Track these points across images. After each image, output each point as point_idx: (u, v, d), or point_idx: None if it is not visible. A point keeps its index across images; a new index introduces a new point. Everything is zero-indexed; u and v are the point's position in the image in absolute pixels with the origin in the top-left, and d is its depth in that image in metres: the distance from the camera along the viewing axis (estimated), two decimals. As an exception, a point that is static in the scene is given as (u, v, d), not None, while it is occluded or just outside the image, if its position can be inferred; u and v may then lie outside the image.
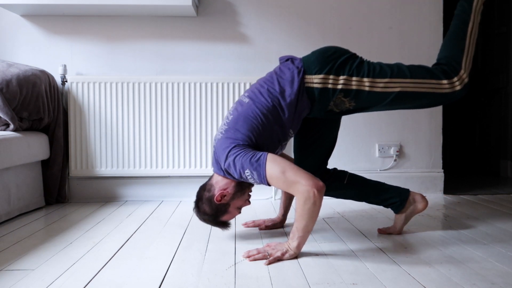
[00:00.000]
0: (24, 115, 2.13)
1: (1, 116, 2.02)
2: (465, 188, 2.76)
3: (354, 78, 1.48)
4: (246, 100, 1.53)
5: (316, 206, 1.35)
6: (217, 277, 1.24)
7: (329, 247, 1.53)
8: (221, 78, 2.38)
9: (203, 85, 2.37)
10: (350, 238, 1.65)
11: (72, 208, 2.24)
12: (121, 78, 2.36)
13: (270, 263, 1.35)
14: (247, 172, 1.40)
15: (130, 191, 2.45)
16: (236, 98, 2.38)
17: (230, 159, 1.42)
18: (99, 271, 1.30)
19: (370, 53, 2.52)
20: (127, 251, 1.50)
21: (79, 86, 2.36)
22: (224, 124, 1.53)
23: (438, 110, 2.57)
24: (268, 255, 1.39)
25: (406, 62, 2.55)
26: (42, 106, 2.18)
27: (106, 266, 1.34)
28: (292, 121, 1.52)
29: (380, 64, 1.52)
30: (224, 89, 2.37)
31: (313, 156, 1.70)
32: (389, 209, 1.73)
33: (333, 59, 1.50)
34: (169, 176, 2.43)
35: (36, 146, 2.16)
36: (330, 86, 1.48)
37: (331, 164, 2.53)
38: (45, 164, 2.32)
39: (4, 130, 2.07)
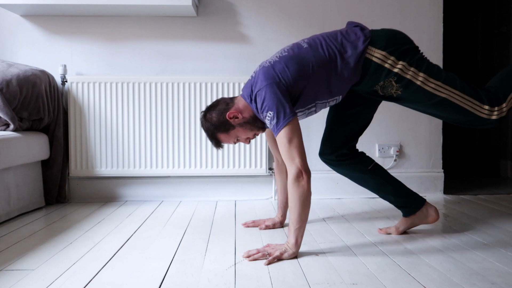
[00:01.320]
0: (24, 115, 2.13)
1: (1, 116, 2.02)
2: (465, 188, 2.76)
3: (411, 68, 1.48)
4: (305, 45, 1.51)
5: (305, 190, 1.38)
6: (217, 277, 1.24)
7: (329, 247, 1.53)
8: (221, 78, 2.38)
9: (203, 85, 2.37)
10: (350, 238, 1.65)
11: (72, 208, 2.24)
12: (121, 78, 2.36)
13: (270, 263, 1.35)
14: (269, 113, 1.41)
15: (130, 191, 2.45)
16: (236, 98, 2.38)
17: (266, 91, 1.42)
18: (99, 271, 1.30)
19: (370, 53, 2.52)
20: (127, 251, 1.50)
21: (79, 86, 2.36)
22: (276, 57, 1.51)
23: (438, 110, 2.57)
24: (268, 254, 1.39)
25: (406, 62, 2.55)
26: (42, 106, 2.18)
27: (106, 266, 1.34)
28: (341, 83, 1.51)
29: (438, 67, 1.53)
30: (224, 89, 2.37)
31: (345, 128, 1.70)
32: (395, 208, 1.75)
33: (400, 43, 1.50)
34: (169, 176, 2.43)
35: (36, 146, 2.16)
36: (387, 66, 1.47)
37: (331, 164, 2.53)
38: (45, 164, 2.32)
39: (4, 130, 2.07)
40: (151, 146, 2.38)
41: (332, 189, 2.50)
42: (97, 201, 2.39)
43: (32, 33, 2.44)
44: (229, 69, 2.47)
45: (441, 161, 2.59)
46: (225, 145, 2.37)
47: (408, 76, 1.48)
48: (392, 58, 1.47)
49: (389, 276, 1.24)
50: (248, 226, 1.82)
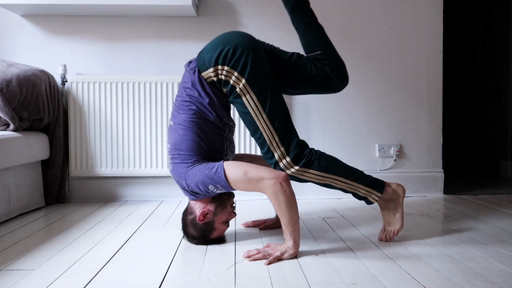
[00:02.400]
0: (24, 115, 2.13)
1: (1, 116, 2.02)
2: (465, 188, 2.76)
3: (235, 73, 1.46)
4: (171, 123, 1.56)
5: (288, 195, 1.40)
6: (217, 277, 1.24)
7: (329, 247, 1.53)
8: (221, 78, 2.38)
9: (203, 85, 2.37)
10: (350, 238, 1.65)
11: (72, 208, 2.24)
12: (121, 78, 2.36)
13: (270, 263, 1.35)
14: (211, 187, 1.44)
15: (130, 191, 2.45)
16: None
17: (190, 181, 1.46)
18: (99, 271, 1.30)
19: (370, 53, 2.53)
20: (127, 251, 1.50)
21: (79, 86, 2.36)
22: (168, 155, 1.56)
23: (438, 110, 2.57)
24: (268, 255, 1.39)
25: (405, 61, 2.56)
26: (42, 106, 2.18)
27: (106, 266, 1.34)
28: (221, 113, 1.53)
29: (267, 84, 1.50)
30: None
31: None
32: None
33: (223, 53, 1.48)
34: (169, 176, 2.43)
35: (36, 146, 2.16)
36: (221, 77, 1.48)
37: (331, 164, 2.52)
38: (45, 164, 2.32)
39: (4, 130, 2.07)
40: (151, 146, 2.38)
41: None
42: (97, 201, 2.39)
43: (32, 33, 2.44)
44: (229, 69, 2.47)
45: (441, 161, 2.59)
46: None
47: (235, 85, 1.47)
48: (219, 67, 1.46)
49: (389, 276, 1.24)
50: (248, 226, 1.82)
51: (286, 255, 1.39)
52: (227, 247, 1.53)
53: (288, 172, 1.48)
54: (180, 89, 1.56)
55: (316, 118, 2.52)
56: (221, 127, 1.54)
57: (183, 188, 1.53)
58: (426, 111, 2.56)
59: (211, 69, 1.46)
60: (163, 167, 2.38)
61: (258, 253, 1.40)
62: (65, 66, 2.38)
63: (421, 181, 2.56)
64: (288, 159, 1.48)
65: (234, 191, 1.56)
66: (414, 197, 2.50)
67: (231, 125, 1.60)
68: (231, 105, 1.63)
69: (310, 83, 1.61)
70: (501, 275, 1.24)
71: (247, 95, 1.46)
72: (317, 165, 1.48)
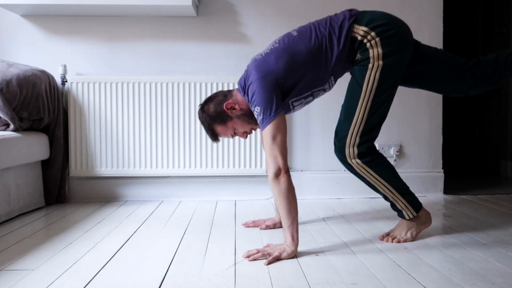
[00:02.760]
0: (24, 115, 2.13)
1: (1, 116, 2.02)
2: (465, 188, 2.76)
3: (380, 49, 1.45)
4: (295, 33, 1.52)
5: (284, 184, 1.40)
6: (217, 277, 1.24)
7: (329, 247, 1.53)
8: (221, 78, 2.38)
9: (203, 85, 2.37)
10: (350, 238, 1.65)
11: (72, 208, 2.24)
12: (121, 78, 2.36)
13: (269, 263, 1.35)
14: (257, 108, 1.43)
15: (130, 191, 2.45)
16: (236, 98, 2.38)
17: (257, 85, 1.43)
18: (99, 271, 1.30)
19: (370, 53, 2.52)
20: (127, 251, 1.50)
21: (79, 86, 2.36)
22: (268, 49, 1.52)
23: (438, 110, 2.57)
24: (268, 254, 1.39)
25: (406, 62, 2.55)
26: (42, 106, 2.18)
27: (106, 266, 1.34)
28: (333, 67, 1.50)
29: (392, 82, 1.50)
30: (224, 89, 2.37)
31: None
32: (383, 203, 1.73)
33: (384, 23, 1.46)
34: (169, 176, 2.43)
35: (36, 146, 2.16)
36: (366, 41, 1.46)
37: (330, 164, 2.53)
38: (45, 164, 2.32)
39: (4, 130, 2.07)
40: (151, 146, 2.38)
41: (332, 189, 2.50)
42: (97, 201, 2.39)
43: (32, 33, 2.44)
44: (229, 69, 2.47)
45: (441, 161, 2.59)
46: (225, 144, 2.37)
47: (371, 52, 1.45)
48: (372, 33, 1.45)
49: (389, 276, 1.24)
50: (248, 226, 1.82)
51: (285, 254, 1.39)
52: (227, 247, 1.54)
53: (348, 161, 1.51)
54: (326, 18, 1.53)
55: (316, 118, 2.52)
56: (323, 78, 1.51)
57: (245, 80, 1.51)
58: (426, 111, 2.56)
59: (365, 28, 1.45)
60: (163, 167, 2.38)
61: (258, 252, 1.40)
62: (65, 66, 2.38)
63: (421, 181, 2.56)
64: (356, 150, 1.50)
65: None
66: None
67: (331, 85, 1.58)
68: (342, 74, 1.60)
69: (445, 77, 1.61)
70: (501, 275, 1.24)
71: (374, 74, 1.44)
72: (376, 167, 1.52)
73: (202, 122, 1.61)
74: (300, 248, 1.45)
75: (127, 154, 2.38)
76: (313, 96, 1.58)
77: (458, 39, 4.09)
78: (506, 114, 3.40)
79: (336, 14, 1.55)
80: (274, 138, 1.41)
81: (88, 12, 2.37)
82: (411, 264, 1.34)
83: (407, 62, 1.54)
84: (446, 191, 2.59)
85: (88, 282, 1.21)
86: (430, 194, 2.54)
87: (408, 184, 2.54)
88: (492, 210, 2.13)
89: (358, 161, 1.50)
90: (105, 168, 2.38)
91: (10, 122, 2.04)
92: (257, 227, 1.81)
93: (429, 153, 2.58)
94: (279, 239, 1.63)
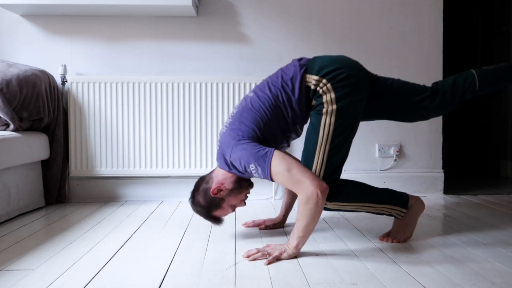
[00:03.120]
0: (24, 115, 2.13)
1: (1, 116, 2.02)
2: (465, 188, 2.76)
3: (332, 94, 1.46)
4: (251, 94, 1.56)
5: (318, 207, 1.36)
6: (217, 277, 1.24)
7: (329, 247, 1.53)
8: (221, 78, 2.38)
9: (203, 85, 2.37)
10: (350, 238, 1.65)
11: (72, 208, 2.24)
12: (121, 78, 2.36)
13: (269, 262, 1.35)
14: (252, 166, 1.41)
15: (130, 191, 2.45)
16: (236, 98, 2.38)
17: (236, 151, 1.43)
18: (99, 271, 1.30)
19: (370, 53, 2.53)
20: (127, 251, 1.50)
21: (79, 86, 2.36)
22: (229, 118, 1.55)
23: (438, 110, 2.57)
24: (268, 254, 1.39)
25: (406, 61, 2.56)
26: (42, 106, 2.18)
27: (106, 266, 1.34)
28: (296, 115, 1.52)
29: (350, 127, 1.51)
30: (224, 89, 2.37)
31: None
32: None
33: (334, 69, 1.48)
34: (169, 176, 2.43)
35: (36, 146, 2.16)
36: (319, 89, 1.48)
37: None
38: (45, 164, 2.32)
39: (4, 130, 2.07)
40: (151, 146, 2.38)
41: (332, 189, 2.49)
42: (97, 201, 2.39)
43: (32, 33, 2.44)
44: (229, 69, 2.47)
45: (441, 161, 2.59)
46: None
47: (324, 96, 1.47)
48: (323, 81, 1.47)
49: (389, 276, 1.24)
50: (248, 226, 1.82)
51: (285, 255, 1.39)
52: (227, 247, 1.53)
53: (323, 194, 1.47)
54: (278, 72, 1.57)
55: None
56: (289, 128, 1.55)
57: (223, 156, 1.51)
58: (426, 111, 2.56)
59: (316, 77, 1.47)
60: (163, 167, 2.38)
61: (258, 252, 1.40)
62: (65, 66, 2.38)
63: (421, 181, 2.55)
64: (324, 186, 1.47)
65: (253, 183, 1.58)
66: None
67: (298, 132, 1.61)
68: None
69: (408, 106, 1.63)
70: (501, 275, 1.24)
71: (329, 118, 1.46)
72: (346, 197, 1.50)
73: (200, 215, 1.59)
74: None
75: (127, 154, 2.38)
76: (289, 140, 1.61)
77: (458, 39, 4.09)
78: (506, 114, 3.40)
79: (287, 66, 1.58)
80: (287, 169, 1.38)
81: (88, 12, 2.37)
82: (411, 264, 1.34)
83: (365, 100, 1.54)
84: (446, 191, 2.59)
85: (88, 282, 1.21)
86: (430, 194, 2.54)
87: (408, 184, 2.54)
88: (492, 210, 2.13)
89: (328, 203, 1.48)
90: (105, 168, 2.38)
91: (10, 122, 2.04)
92: (257, 227, 1.81)
93: (429, 153, 2.58)
94: (279, 239, 1.63)
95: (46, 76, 2.25)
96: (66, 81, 2.38)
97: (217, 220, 1.59)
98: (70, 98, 2.35)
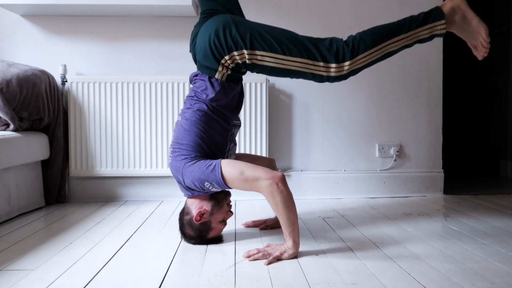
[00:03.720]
0: (24, 115, 2.13)
1: (1, 116, 2.02)
2: (465, 188, 2.76)
3: (253, 52, 1.47)
4: (179, 118, 1.58)
5: (285, 195, 1.39)
6: (217, 277, 1.24)
7: (329, 247, 1.53)
8: (221, 78, 2.38)
9: (203, 85, 2.37)
10: (350, 238, 1.65)
11: (72, 208, 2.24)
12: (121, 78, 2.36)
13: (270, 263, 1.35)
14: (206, 185, 1.44)
15: (130, 191, 2.45)
16: (236, 98, 2.38)
17: (187, 175, 1.46)
18: (99, 271, 1.30)
19: (370, 53, 2.52)
20: (127, 251, 1.50)
21: (79, 86, 2.36)
22: (170, 148, 1.57)
23: (438, 110, 2.57)
24: (268, 254, 1.39)
25: (405, 61, 2.56)
26: (42, 106, 2.18)
27: (106, 266, 1.34)
28: (228, 111, 1.56)
29: (271, 34, 1.48)
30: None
31: None
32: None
33: (221, 41, 1.48)
34: (169, 176, 2.43)
35: (36, 146, 2.16)
36: (233, 64, 1.50)
37: (330, 164, 2.54)
38: (45, 164, 2.32)
39: (4, 130, 2.07)
40: (151, 146, 2.38)
41: (332, 189, 2.50)
42: (97, 201, 2.39)
43: (32, 33, 2.44)
44: (229, 69, 2.47)
45: (441, 161, 2.59)
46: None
47: (254, 61, 1.48)
48: (226, 58, 1.48)
49: (389, 276, 1.24)
50: (248, 226, 1.82)
51: (285, 255, 1.39)
52: (227, 247, 1.53)
53: (344, 72, 1.46)
54: (190, 90, 1.60)
55: (316, 118, 2.52)
56: (226, 127, 1.57)
57: (179, 183, 1.53)
58: (426, 111, 2.56)
59: (220, 68, 1.50)
60: (163, 167, 2.38)
61: (258, 252, 1.40)
62: (65, 66, 2.38)
63: (421, 181, 2.55)
64: (333, 65, 1.45)
65: (231, 190, 1.56)
66: (414, 197, 2.50)
67: (237, 125, 1.62)
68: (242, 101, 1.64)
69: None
70: (501, 275, 1.24)
71: (257, 57, 1.46)
72: (363, 47, 1.45)
73: (198, 244, 1.57)
74: (300, 248, 1.45)
75: (127, 154, 2.38)
76: (232, 139, 1.62)
77: (458, 39, 4.08)
78: (506, 114, 3.40)
79: (194, 86, 1.60)
80: (240, 173, 1.40)
81: (88, 12, 2.37)
82: (411, 264, 1.34)
83: (237, 15, 1.62)
84: (446, 191, 2.59)
85: (88, 282, 1.21)
86: (430, 194, 2.54)
87: (408, 184, 2.55)
88: (492, 210, 2.13)
89: (346, 64, 1.45)
90: (105, 168, 2.38)
91: (10, 122, 2.04)
92: (257, 227, 1.81)
93: (429, 153, 2.58)
94: (279, 239, 1.63)
95: (46, 76, 2.25)
96: (66, 81, 2.38)
97: (216, 240, 1.59)
98: (70, 98, 2.35)
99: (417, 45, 2.51)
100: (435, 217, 1.98)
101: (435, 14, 1.47)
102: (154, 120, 2.37)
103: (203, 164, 1.44)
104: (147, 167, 2.38)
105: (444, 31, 1.49)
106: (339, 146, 2.53)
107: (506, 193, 2.58)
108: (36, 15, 2.43)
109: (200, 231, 1.54)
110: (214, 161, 1.44)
